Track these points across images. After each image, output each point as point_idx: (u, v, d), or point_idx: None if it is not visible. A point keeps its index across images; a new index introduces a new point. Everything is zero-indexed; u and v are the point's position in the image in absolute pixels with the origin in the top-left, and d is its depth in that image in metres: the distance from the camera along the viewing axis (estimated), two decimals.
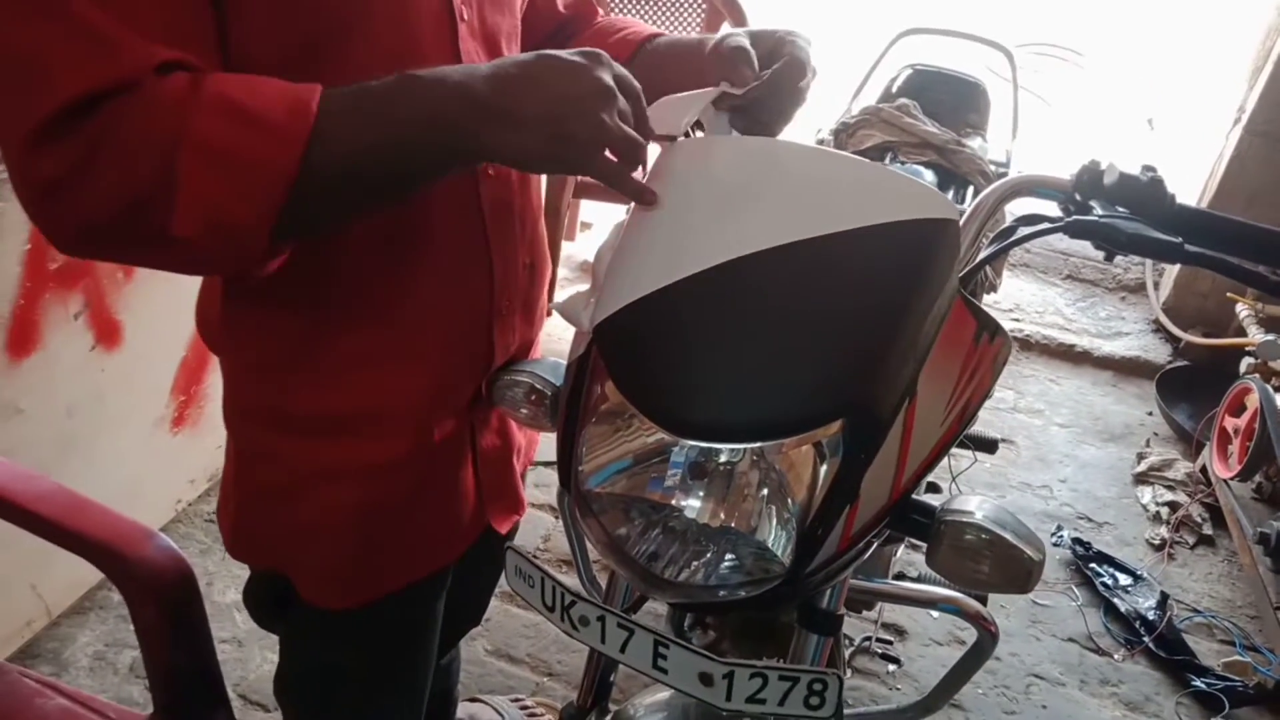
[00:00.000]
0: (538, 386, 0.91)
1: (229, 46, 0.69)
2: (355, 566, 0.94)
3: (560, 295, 0.82)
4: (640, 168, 0.75)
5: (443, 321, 0.88)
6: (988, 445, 1.75)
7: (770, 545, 0.70)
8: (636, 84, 0.74)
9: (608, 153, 0.72)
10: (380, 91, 0.68)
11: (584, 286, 0.82)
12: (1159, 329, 3.15)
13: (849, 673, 1.87)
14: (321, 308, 0.84)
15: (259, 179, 0.65)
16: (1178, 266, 3.07)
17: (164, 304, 1.76)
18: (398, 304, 0.85)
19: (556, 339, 2.72)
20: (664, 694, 1.05)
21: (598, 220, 3.37)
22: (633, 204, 0.82)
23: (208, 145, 0.63)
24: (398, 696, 1.11)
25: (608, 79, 0.70)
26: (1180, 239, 0.82)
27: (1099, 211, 0.86)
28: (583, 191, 2.72)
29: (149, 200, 0.63)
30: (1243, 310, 2.66)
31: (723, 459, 0.71)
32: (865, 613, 1.88)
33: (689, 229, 0.74)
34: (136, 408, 1.81)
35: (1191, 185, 3.05)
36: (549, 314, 1.04)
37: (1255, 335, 2.53)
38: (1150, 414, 2.84)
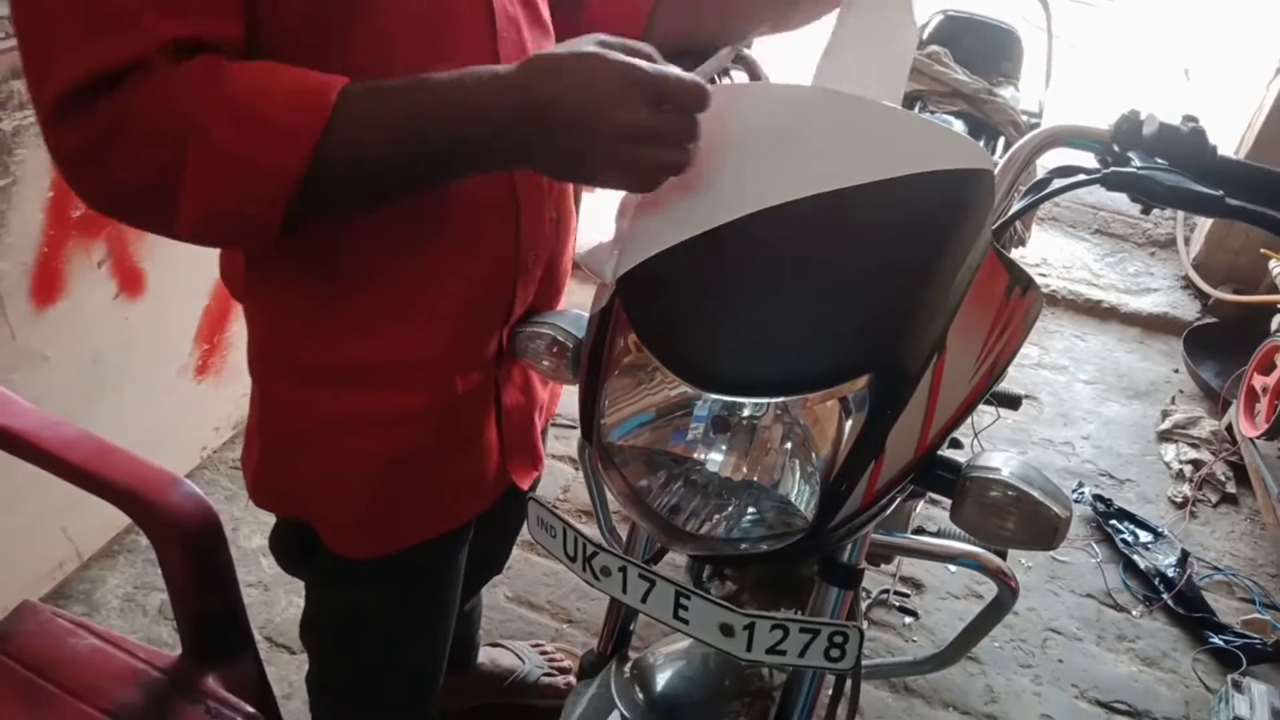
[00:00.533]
0: (559, 338, 0.90)
1: (258, 10, 0.68)
2: (378, 517, 0.94)
3: (581, 246, 0.81)
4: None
5: (467, 277, 0.87)
6: (1011, 401, 1.73)
7: (793, 500, 0.70)
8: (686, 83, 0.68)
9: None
10: (399, 98, 0.67)
11: (606, 238, 0.81)
12: (1188, 285, 3.10)
13: (866, 625, 1.89)
14: (344, 264, 0.83)
15: (263, 184, 0.65)
16: (1210, 222, 3.01)
17: (187, 253, 1.74)
18: (422, 260, 0.84)
19: (573, 292, 2.72)
20: (683, 643, 1.06)
21: None
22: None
23: (215, 150, 0.63)
24: (421, 642, 1.14)
25: (641, 121, 0.66)
26: (1221, 192, 0.80)
27: (1137, 163, 0.83)
28: None
29: (159, 189, 0.65)
30: (1276, 267, 2.61)
31: (746, 413, 0.70)
32: (883, 566, 1.89)
33: (715, 179, 0.72)
34: (161, 356, 1.82)
35: (1229, 137, 2.97)
36: (574, 267, 1.03)
37: None
38: (1176, 371, 2.81)
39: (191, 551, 1.06)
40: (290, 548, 1.05)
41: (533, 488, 1.11)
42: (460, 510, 1.00)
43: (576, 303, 0.87)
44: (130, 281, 1.67)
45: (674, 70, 0.67)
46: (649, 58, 0.69)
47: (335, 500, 0.94)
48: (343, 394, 0.88)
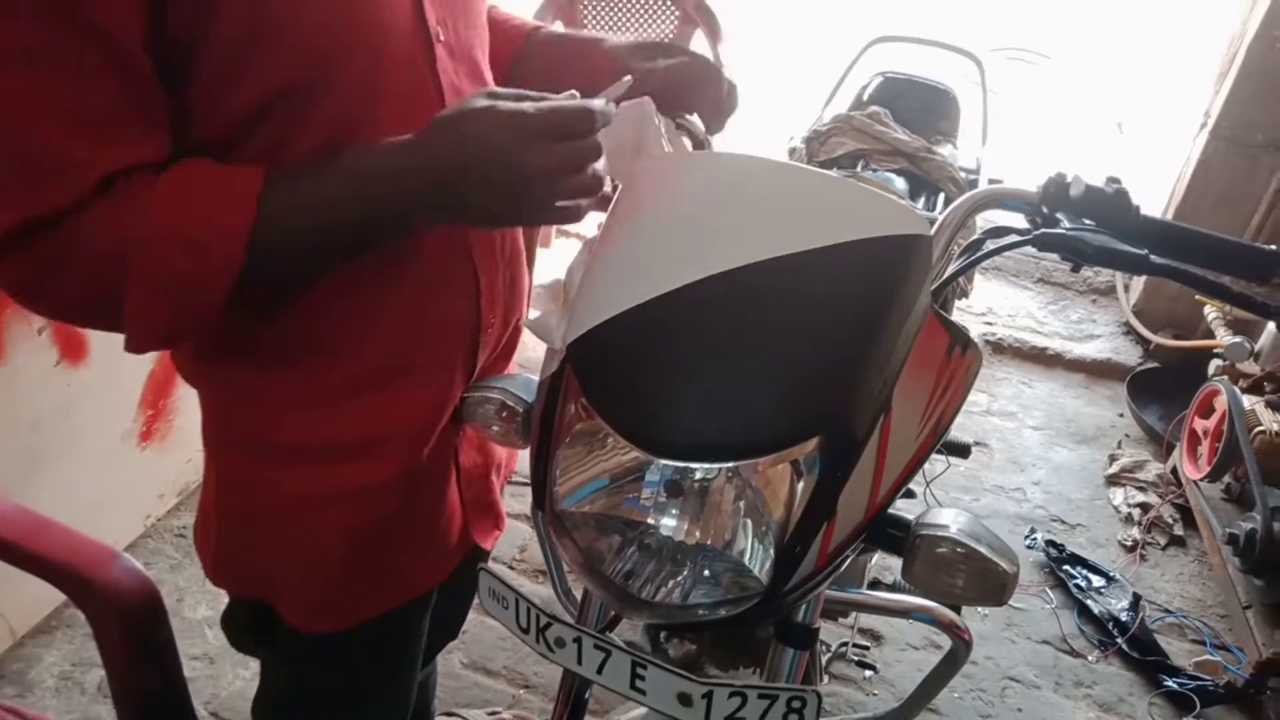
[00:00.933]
0: (509, 403, 0.90)
1: (191, 110, 0.70)
2: (344, 590, 0.92)
3: (532, 311, 0.81)
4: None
5: (433, 342, 0.88)
6: (961, 450, 1.75)
7: (747, 563, 0.70)
8: (557, 115, 0.72)
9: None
10: (318, 184, 0.71)
11: (556, 303, 0.81)
12: (1129, 331, 3.19)
13: (825, 679, 1.88)
14: (306, 343, 0.83)
15: (199, 294, 0.69)
16: None
17: None
18: (385, 330, 0.84)
19: (531, 347, 2.72)
20: (639, 710, 1.05)
21: (575, 226, 3.36)
22: (603, 220, 0.82)
23: (149, 276, 0.67)
24: (383, 714, 1.10)
25: (543, 161, 0.70)
26: (1146, 251, 0.83)
27: (1066, 224, 0.86)
28: None
29: (104, 309, 0.69)
30: (1211, 313, 2.70)
31: (699, 477, 0.70)
32: (841, 619, 1.89)
33: (660, 246, 0.74)
34: (103, 422, 1.78)
35: (1160, 189, 3.09)
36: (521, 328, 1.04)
37: (1223, 337, 2.56)
38: (1121, 415, 2.87)
39: (131, 629, 1.02)
40: (246, 627, 1.01)
41: (491, 547, 1.10)
42: (426, 577, 0.98)
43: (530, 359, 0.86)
44: (72, 348, 1.64)
45: (557, 103, 0.72)
46: (538, 99, 0.72)
47: (300, 577, 0.92)
48: (308, 470, 0.87)
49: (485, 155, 0.69)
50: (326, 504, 0.88)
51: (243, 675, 1.73)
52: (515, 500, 2.20)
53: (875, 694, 1.87)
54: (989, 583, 0.72)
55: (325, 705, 1.06)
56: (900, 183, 1.72)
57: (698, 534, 0.71)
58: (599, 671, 0.74)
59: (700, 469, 0.69)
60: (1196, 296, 2.77)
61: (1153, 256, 0.82)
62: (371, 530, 0.90)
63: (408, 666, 1.08)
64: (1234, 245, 0.83)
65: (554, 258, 3.16)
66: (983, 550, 0.71)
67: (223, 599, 1.91)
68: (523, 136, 0.69)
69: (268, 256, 0.69)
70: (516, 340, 1.05)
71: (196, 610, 1.85)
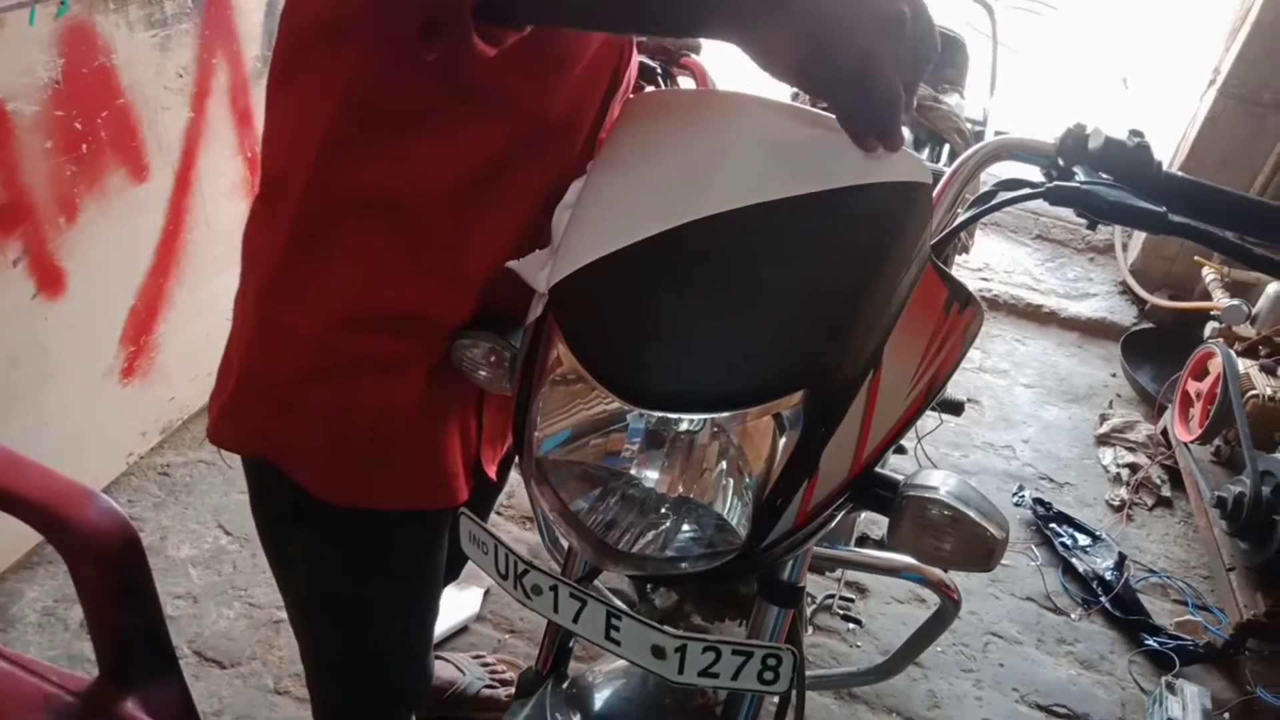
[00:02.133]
0: (498, 347, 0.87)
1: None
2: (362, 465, 0.93)
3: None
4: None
5: (495, 264, 0.87)
6: (954, 407, 1.74)
7: (727, 517, 0.68)
8: (934, 37, 0.63)
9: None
10: None
11: (540, 250, 0.79)
12: (1126, 291, 3.17)
13: (810, 630, 1.89)
14: (401, 211, 0.82)
15: None
16: None
17: (110, 251, 1.69)
18: (466, 230, 0.84)
19: None
20: (622, 662, 1.04)
21: None
22: (594, 160, 0.78)
23: None
24: (407, 622, 1.13)
25: (904, 6, 0.60)
26: (1164, 209, 0.79)
27: (1081, 177, 0.83)
28: None
29: None
30: (1209, 274, 2.68)
31: (682, 428, 0.68)
32: (828, 573, 1.89)
33: (649, 188, 0.70)
34: (84, 358, 1.75)
35: (1164, 146, 3.05)
36: None
37: (1220, 299, 2.54)
38: (1114, 375, 2.87)
39: (108, 570, 1.00)
40: (279, 507, 1.01)
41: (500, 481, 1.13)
42: (443, 488, 0.98)
43: None
44: (49, 280, 1.60)
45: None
46: None
47: (322, 441, 0.92)
48: (359, 335, 0.87)
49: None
50: (366, 371, 0.88)
51: (226, 615, 1.73)
52: None
53: (859, 646, 1.89)
54: (976, 548, 0.70)
55: (346, 608, 1.08)
56: (905, 132, 1.67)
57: (679, 486, 0.69)
58: (575, 620, 0.73)
59: (682, 420, 0.67)
60: (1196, 258, 2.75)
61: (1171, 215, 0.79)
62: (400, 411, 0.90)
63: (428, 580, 1.09)
64: (1261, 206, 0.79)
65: None
66: (972, 514, 0.69)
67: (206, 537, 1.91)
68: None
69: None
70: None
71: (180, 549, 1.84)
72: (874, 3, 0.60)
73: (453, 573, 1.39)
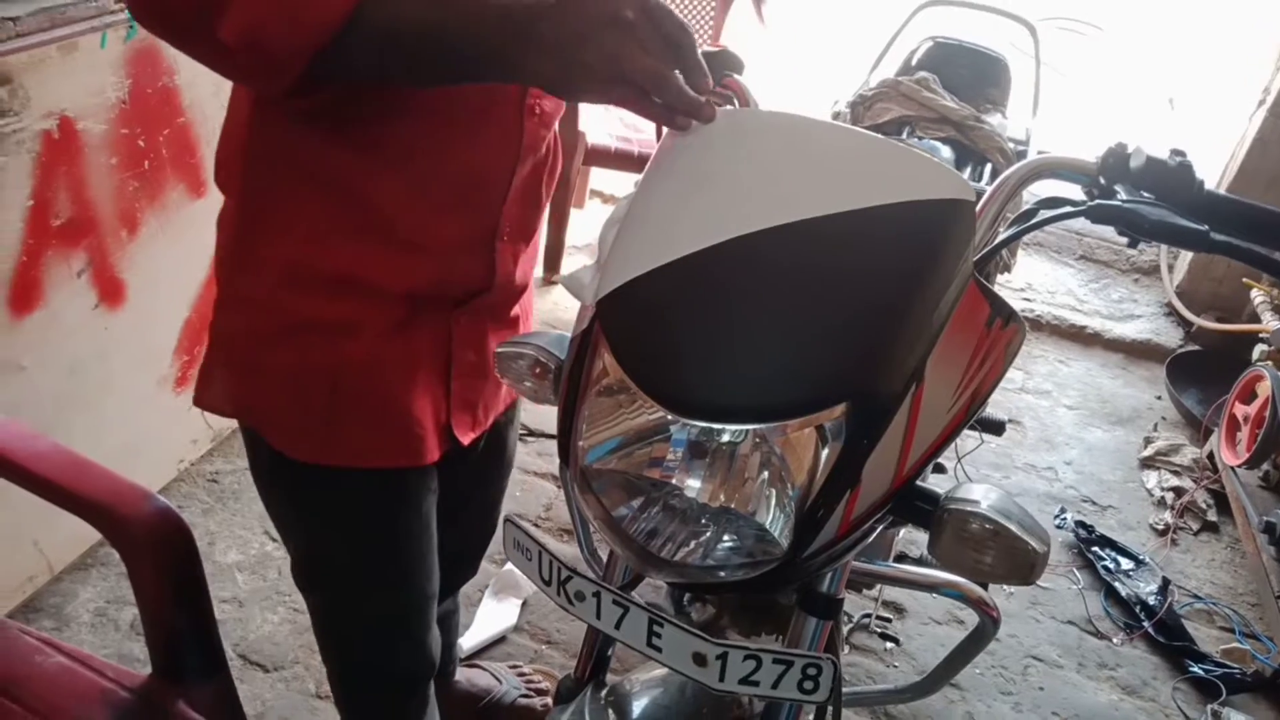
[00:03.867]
0: (542, 359, 0.89)
1: None
2: (322, 422, 0.98)
3: (568, 262, 0.81)
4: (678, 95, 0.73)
5: (455, 225, 0.94)
6: (995, 427, 1.73)
7: (769, 527, 0.69)
8: (673, 16, 0.72)
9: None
10: None
11: (590, 260, 0.81)
12: (1171, 313, 3.12)
13: (847, 649, 1.88)
14: (354, 176, 0.88)
15: (307, 19, 0.71)
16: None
17: (168, 264, 1.75)
18: (423, 196, 0.90)
19: (564, 308, 2.71)
20: (661, 670, 1.05)
21: (609, 187, 3.34)
22: (641, 175, 0.80)
23: None
24: (399, 590, 1.15)
25: (628, 12, 0.69)
26: (1206, 227, 0.79)
27: (1123, 196, 0.83)
28: (593, 159, 2.69)
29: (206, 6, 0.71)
30: (1258, 296, 2.63)
31: (724, 439, 0.69)
32: (865, 591, 1.88)
33: (695, 204, 0.72)
34: (140, 367, 1.80)
35: (1211, 167, 3.01)
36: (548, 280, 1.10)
37: (1270, 322, 2.50)
38: (1159, 398, 2.82)
39: (163, 568, 1.04)
40: (256, 461, 1.08)
41: (494, 451, 1.20)
42: (403, 445, 1.02)
43: (563, 321, 0.86)
44: (110, 292, 1.66)
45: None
46: None
47: (282, 400, 0.98)
48: (308, 297, 0.93)
49: None
50: (318, 332, 0.94)
51: (270, 620, 1.77)
52: (542, 460, 2.21)
53: (896, 666, 1.87)
54: (1018, 561, 0.71)
55: (338, 572, 1.13)
56: (946, 151, 1.68)
57: (721, 496, 0.70)
58: (617, 627, 0.74)
59: (725, 430, 0.68)
60: (1244, 279, 2.70)
61: (1213, 233, 0.79)
62: (355, 369, 0.96)
63: (414, 546, 1.12)
64: None
65: (586, 219, 3.14)
66: (1013, 528, 0.70)
67: (253, 543, 1.95)
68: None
69: (366, 29, 0.71)
70: (519, 296, 1.10)
71: (227, 555, 1.89)
72: (595, 13, 0.69)
73: (470, 568, 1.43)
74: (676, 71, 0.72)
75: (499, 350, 0.93)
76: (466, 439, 1.09)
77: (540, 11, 0.71)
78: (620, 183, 3.26)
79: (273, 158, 0.90)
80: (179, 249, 1.74)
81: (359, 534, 1.10)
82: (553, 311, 2.68)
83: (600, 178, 3.29)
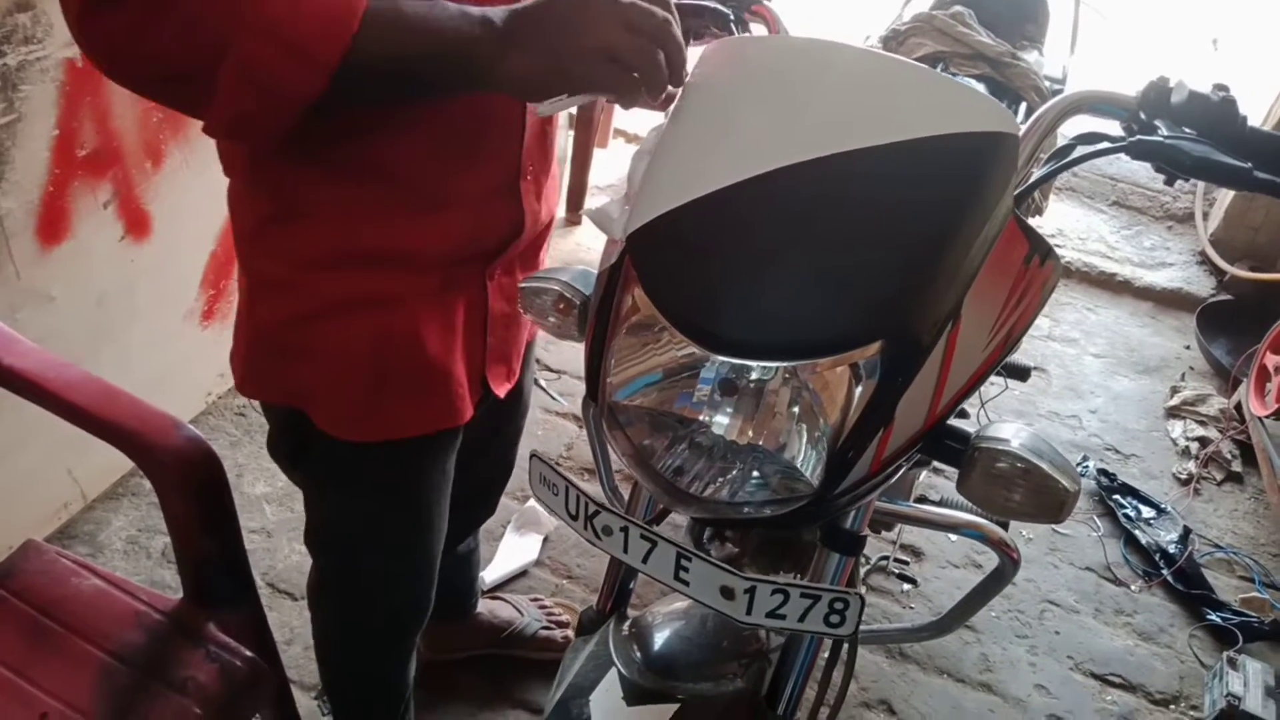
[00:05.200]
0: (566, 295, 0.89)
1: None
2: (370, 398, 0.97)
3: (591, 202, 0.80)
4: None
5: (477, 178, 0.92)
6: (1020, 373, 1.72)
7: (799, 465, 0.69)
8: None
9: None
10: (414, 16, 0.72)
11: (616, 196, 0.80)
12: (1204, 261, 3.07)
13: (864, 590, 1.89)
14: (369, 155, 0.87)
15: (284, 97, 0.71)
16: (1229, 197, 2.96)
17: (193, 197, 1.74)
18: (439, 160, 0.88)
19: (586, 249, 2.70)
20: (682, 603, 1.06)
21: (632, 126, 3.29)
22: (673, 107, 0.79)
23: (246, 66, 0.69)
24: (410, 553, 1.17)
25: (611, 17, 0.70)
26: (1250, 164, 0.77)
27: (1164, 132, 0.81)
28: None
29: (185, 81, 0.71)
30: None
31: (754, 376, 0.69)
32: (884, 533, 1.89)
33: (731, 135, 0.71)
34: (167, 299, 1.82)
35: (1255, 111, 2.92)
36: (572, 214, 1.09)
37: None
38: (1188, 348, 2.79)
39: (193, 495, 1.05)
40: (288, 444, 1.07)
41: (511, 406, 1.17)
42: (449, 408, 1.02)
43: (586, 260, 0.85)
44: (136, 223, 1.66)
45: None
46: None
47: (329, 380, 0.96)
48: (343, 275, 0.91)
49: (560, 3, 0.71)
50: (358, 308, 0.92)
51: (298, 549, 1.80)
52: (564, 399, 2.22)
53: (911, 608, 1.89)
54: (1048, 499, 0.70)
55: (357, 532, 1.13)
56: (981, 88, 1.63)
57: (750, 434, 0.70)
58: (644, 561, 0.74)
59: (757, 368, 0.68)
60: None
61: (1257, 171, 0.76)
62: (398, 341, 0.94)
63: (433, 511, 1.13)
64: None
65: (610, 158, 3.10)
66: (1044, 466, 0.70)
67: (280, 476, 1.97)
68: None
69: (357, 73, 0.71)
70: (547, 233, 1.09)
71: (255, 486, 1.92)
72: (581, 17, 0.70)
73: (488, 508, 1.44)
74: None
75: (522, 285, 0.93)
76: (502, 391, 1.09)
77: (520, 20, 0.73)
78: (644, 121, 3.21)
79: (279, 147, 0.86)
80: (203, 182, 1.73)
81: (389, 501, 1.09)
82: (575, 252, 2.66)
83: (623, 116, 3.24)
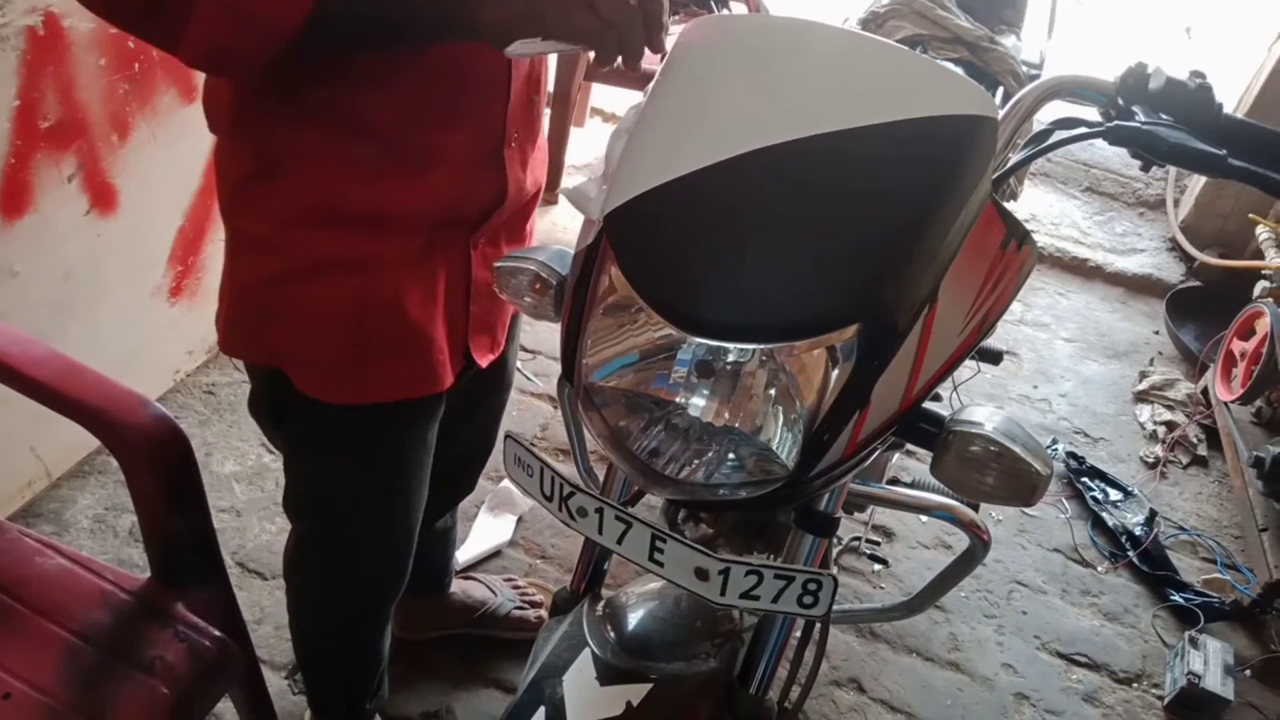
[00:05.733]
0: (543, 275, 0.88)
1: None
2: (350, 361, 0.97)
3: (568, 181, 0.79)
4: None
5: (462, 141, 0.91)
6: (992, 357, 1.73)
7: (774, 448, 0.69)
8: None
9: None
10: None
11: (593, 175, 0.79)
12: (1174, 248, 3.10)
13: (835, 570, 1.91)
14: (351, 114, 0.86)
15: (264, 29, 0.71)
16: (1200, 185, 2.99)
17: (160, 171, 1.71)
18: (424, 122, 0.88)
19: (563, 229, 2.68)
20: (656, 583, 1.06)
21: (610, 105, 3.27)
22: (651, 84, 0.78)
23: None
24: (389, 523, 1.16)
25: None
26: (1224, 152, 0.78)
27: (1141, 118, 0.81)
28: (594, 75, 2.62)
29: (164, 10, 0.71)
30: (1263, 232, 2.61)
31: (731, 358, 0.69)
32: (856, 514, 1.91)
33: (710, 115, 0.70)
34: (134, 275, 1.78)
35: (1228, 98, 2.94)
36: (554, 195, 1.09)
37: (1274, 258, 2.48)
38: (1157, 333, 2.82)
39: (160, 473, 1.04)
40: (269, 404, 1.06)
41: (497, 371, 1.17)
42: (430, 374, 1.01)
43: (563, 240, 0.84)
44: (102, 198, 1.62)
45: None
46: None
47: (309, 338, 0.96)
48: (326, 234, 0.91)
49: None
50: (338, 270, 0.92)
51: (268, 529, 1.79)
52: (540, 380, 2.21)
53: (882, 588, 1.91)
54: (1020, 483, 0.71)
55: (338, 501, 1.12)
56: (959, 72, 1.63)
57: (726, 416, 0.70)
58: (619, 542, 0.74)
59: (734, 349, 0.68)
60: (1250, 215, 2.68)
61: (1231, 158, 0.77)
62: (379, 305, 0.94)
63: (413, 480, 1.13)
64: None
65: (587, 137, 3.08)
66: (1017, 450, 0.70)
67: (249, 454, 1.96)
68: None
69: (334, 13, 0.71)
70: (532, 206, 1.08)
71: (224, 465, 1.90)
72: None
73: (469, 484, 1.44)
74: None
75: (498, 265, 0.92)
76: (485, 361, 1.09)
77: None
78: (622, 100, 3.19)
79: (263, 100, 0.87)
80: (171, 155, 1.70)
81: (370, 466, 1.09)
82: (551, 231, 2.64)
83: (601, 95, 3.22)
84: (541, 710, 0.83)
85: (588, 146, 3.02)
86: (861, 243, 0.65)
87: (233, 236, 0.96)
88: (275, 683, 1.51)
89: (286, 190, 0.90)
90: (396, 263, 0.93)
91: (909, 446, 0.86)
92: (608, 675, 0.85)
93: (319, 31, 0.71)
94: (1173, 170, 3.21)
